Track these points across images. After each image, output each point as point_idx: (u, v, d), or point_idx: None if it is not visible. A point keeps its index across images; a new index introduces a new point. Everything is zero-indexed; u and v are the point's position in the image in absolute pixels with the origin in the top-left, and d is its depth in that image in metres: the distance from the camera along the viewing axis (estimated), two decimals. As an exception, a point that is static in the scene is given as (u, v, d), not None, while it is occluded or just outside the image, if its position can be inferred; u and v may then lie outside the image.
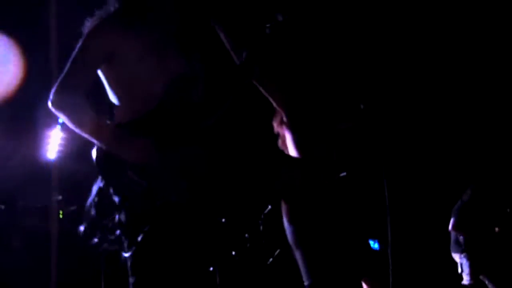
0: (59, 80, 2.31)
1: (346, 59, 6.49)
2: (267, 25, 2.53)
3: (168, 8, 2.53)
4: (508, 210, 7.17)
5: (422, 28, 6.79)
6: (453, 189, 7.49)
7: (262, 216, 6.57)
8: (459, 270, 6.90)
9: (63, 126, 7.04)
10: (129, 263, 2.33)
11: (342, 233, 3.02)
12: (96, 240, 2.28)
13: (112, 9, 2.46)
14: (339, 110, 3.22)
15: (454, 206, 7.08)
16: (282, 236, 3.12)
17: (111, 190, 2.27)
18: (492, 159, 8.50)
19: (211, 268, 6.22)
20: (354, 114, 3.13)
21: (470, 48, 7.17)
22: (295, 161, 2.85)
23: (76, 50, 2.36)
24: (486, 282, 6.78)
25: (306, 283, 2.99)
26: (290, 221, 2.98)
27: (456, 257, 6.99)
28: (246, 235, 6.86)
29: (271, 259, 6.93)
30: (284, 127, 3.14)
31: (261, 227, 6.63)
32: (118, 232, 2.28)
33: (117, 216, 2.28)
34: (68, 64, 2.34)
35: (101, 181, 2.29)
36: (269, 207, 6.40)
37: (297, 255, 3.02)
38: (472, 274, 6.72)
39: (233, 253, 6.89)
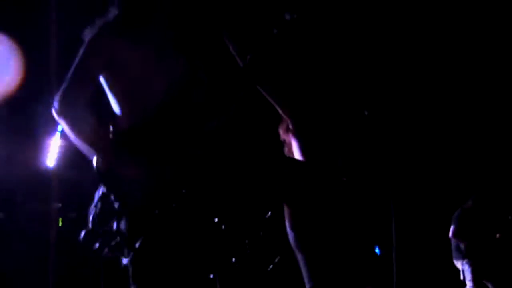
0: (61, 89, 2.33)
1: (351, 66, 6.49)
2: (274, 25, 2.51)
3: (168, 13, 2.53)
4: (510, 217, 7.16)
5: (428, 36, 6.80)
6: (456, 196, 7.49)
7: (262, 223, 6.56)
8: (461, 277, 6.89)
9: (63, 133, 7.03)
10: (130, 271, 2.32)
11: (345, 238, 3.00)
12: (97, 246, 2.28)
13: (111, 16, 2.47)
14: (344, 116, 3.21)
15: (454, 213, 7.08)
16: (282, 243, 3.11)
17: (112, 197, 2.26)
18: (493, 166, 8.49)
19: (211, 275, 6.19)
20: (358, 121, 3.12)
21: (477, 57, 7.18)
22: (299, 164, 2.84)
23: (77, 58, 2.37)
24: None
25: (307, 287, 2.98)
26: (293, 226, 2.96)
27: (458, 264, 6.98)
28: (246, 241, 6.84)
29: (271, 266, 6.91)
30: (290, 134, 3.14)
31: (261, 234, 6.61)
32: (118, 238, 2.27)
33: (117, 223, 2.27)
34: (70, 73, 2.35)
35: (102, 188, 2.29)
36: (269, 213, 6.38)
37: (300, 259, 3.01)
38: (474, 280, 6.71)
39: (233, 260, 6.87)
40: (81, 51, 2.38)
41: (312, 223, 2.92)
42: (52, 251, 7.14)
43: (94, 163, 2.31)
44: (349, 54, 6.49)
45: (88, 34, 2.42)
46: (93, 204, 2.31)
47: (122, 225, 2.27)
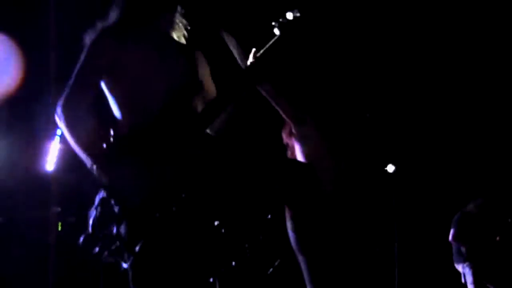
0: (64, 95, 2.36)
1: (353, 69, 6.49)
2: (276, 25, 2.49)
3: (169, 16, 2.53)
4: (510, 220, 7.16)
5: (432, 39, 6.80)
6: (456, 199, 7.49)
7: (262, 226, 6.55)
8: (462, 280, 6.88)
9: (62, 137, 7.02)
10: (130, 275, 2.32)
11: (347, 241, 3.00)
12: (96, 250, 2.28)
13: (112, 19, 2.47)
14: (346, 119, 3.22)
15: (454, 216, 7.08)
16: (282, 246, 3.10)
17: (112, 201, 2.26)
18: (493, 169, 8.50)
19: (211, 279, 6.18)
20: (360, 123, 3.13)
21: (482, 62, 7.19)
22: (301, 166, 2.84)
23: (79, 64, 2.39)
24: (491, 290, 6.78)
25: None
26: (295, 228, 2.96)
27: (459, 267, 6.97)
28: (246, 245, 6.83)
29: (271, 269, 6.89)
30: (293, 138, 3.14)
31: (261, 237, 6.60)
32: (118, 242, 2.27)
33: (117, 227, 2.27)
34: (72, 78, 2.36)
35: (103, 192, 2.28)
36: (269, 216, 6.38)
37: (301, 261, 3.00)
38: (475, 284, 6.70)
39: (233, 263, 6.86)
40: (82, 57, 2.40)
41: (313, 225, 2.91)
42: (51, 255, 7.13)
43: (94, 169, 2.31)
44: (350, 55, 6.48)
45: (89, 39, 2.43)
46: (93, 208, 2.31)
47: (122, 229, 2.26)
